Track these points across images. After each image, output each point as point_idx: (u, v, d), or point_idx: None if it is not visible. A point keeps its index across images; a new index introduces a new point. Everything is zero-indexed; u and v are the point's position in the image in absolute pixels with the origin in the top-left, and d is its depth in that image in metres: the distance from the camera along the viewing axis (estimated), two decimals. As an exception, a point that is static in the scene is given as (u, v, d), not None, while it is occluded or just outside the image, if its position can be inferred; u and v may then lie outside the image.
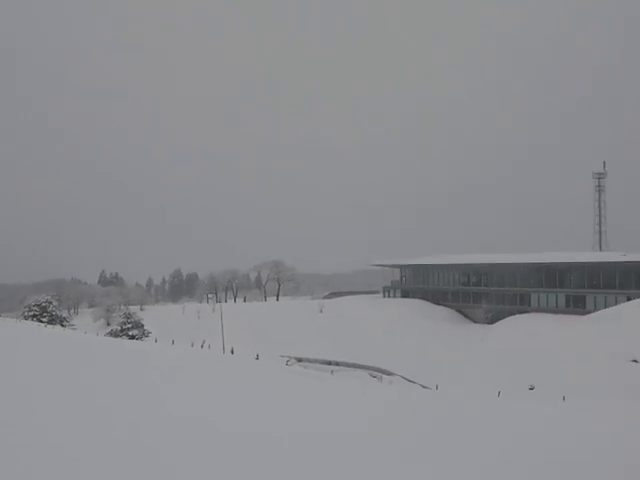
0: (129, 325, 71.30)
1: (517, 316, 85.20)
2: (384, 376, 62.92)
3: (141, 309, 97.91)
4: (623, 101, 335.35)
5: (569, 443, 9.38)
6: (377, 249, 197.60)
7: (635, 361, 58.50)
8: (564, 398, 42.70)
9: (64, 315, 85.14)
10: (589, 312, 79.71)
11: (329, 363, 69.63)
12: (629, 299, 77.28)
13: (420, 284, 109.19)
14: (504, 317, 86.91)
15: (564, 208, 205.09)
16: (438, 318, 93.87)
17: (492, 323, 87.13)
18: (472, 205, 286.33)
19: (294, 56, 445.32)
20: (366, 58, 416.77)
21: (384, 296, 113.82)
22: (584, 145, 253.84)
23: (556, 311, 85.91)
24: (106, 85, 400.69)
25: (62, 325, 73.68)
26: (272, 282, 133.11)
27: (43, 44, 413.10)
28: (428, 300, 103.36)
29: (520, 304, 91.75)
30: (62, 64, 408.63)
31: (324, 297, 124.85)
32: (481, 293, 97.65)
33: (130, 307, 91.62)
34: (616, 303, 78.67)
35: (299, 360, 70.58)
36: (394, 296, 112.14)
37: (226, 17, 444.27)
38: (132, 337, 67.59)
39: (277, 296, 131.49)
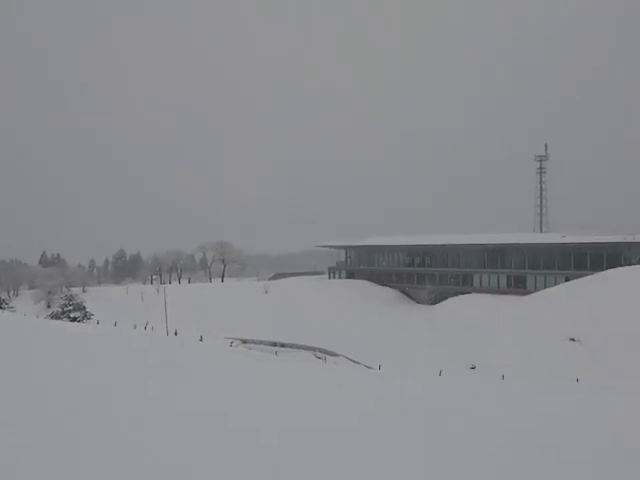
0: (70, 307, 69.91)
1: (460, 296, 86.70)
2: (328, 357, 63.22)
3: (83, 291, 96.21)
4: (623, 101, 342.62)
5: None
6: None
7: (573, 340, 60.20)
8: (503, 377, 43.70)
9: (3, 297, 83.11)
10: (529, 292, 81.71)
11: (274, 344, 69.53)
12: (567, 280, 79.36)
13: (365, 265, 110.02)
14: (447, 298, 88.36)
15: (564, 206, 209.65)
16: (382, 299, 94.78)
17: (435, 304, 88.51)
18: (472, 205, 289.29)
19: (294, 56, 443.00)
20: (366, 58, 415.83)
21: (329, 277, 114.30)
22: (584, 145, 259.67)
23: (497, 291, 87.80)
24: (106, 85, 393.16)
25: (1, 307, 71.95)
26: (218, 263, 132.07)
27: (43, 44, 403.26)
28: (373, 281, 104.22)
29: (463, 285, 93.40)
30: (62, 64, 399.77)
31: (269, 278, 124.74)
32: (425, 274, 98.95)
33: (72, 289, 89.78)
34: (555, 284, 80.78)
35: (244, 342, 70.30)
36: (339, 277, 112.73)
37: (225, 20, 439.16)
38: (73, 319, 66.30)
39: (222, 277, 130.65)
